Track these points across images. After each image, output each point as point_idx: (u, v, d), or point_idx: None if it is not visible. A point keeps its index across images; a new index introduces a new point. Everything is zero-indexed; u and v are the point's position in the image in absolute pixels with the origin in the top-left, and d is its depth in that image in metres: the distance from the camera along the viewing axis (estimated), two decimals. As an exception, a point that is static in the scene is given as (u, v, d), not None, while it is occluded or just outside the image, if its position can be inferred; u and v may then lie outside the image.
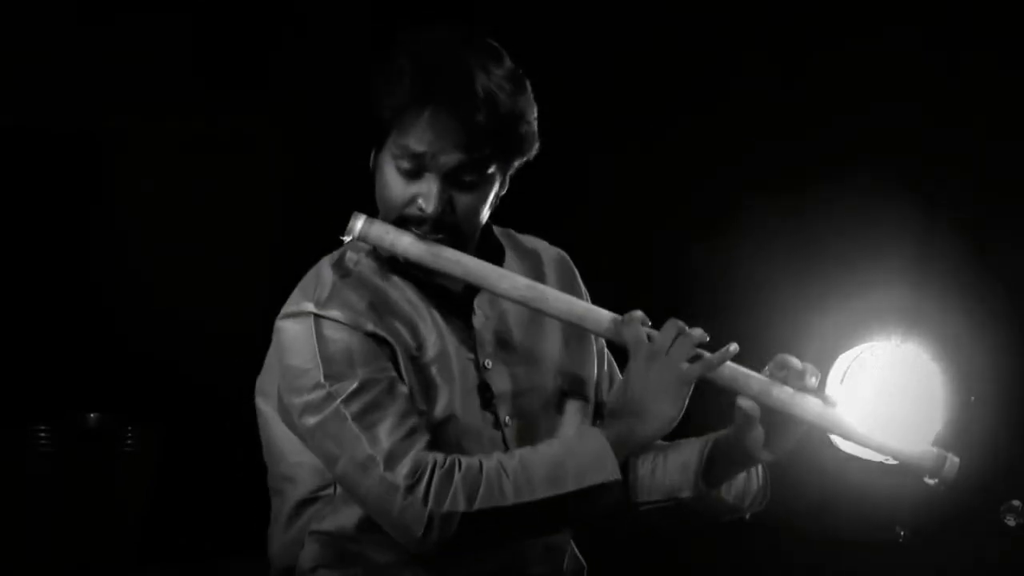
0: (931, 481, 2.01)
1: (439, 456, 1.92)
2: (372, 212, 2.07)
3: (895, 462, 2.03)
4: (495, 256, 2.09)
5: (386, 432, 1.92)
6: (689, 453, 2.09)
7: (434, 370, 2.01)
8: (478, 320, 2.08)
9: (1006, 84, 3.50)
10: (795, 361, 1.98)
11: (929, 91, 3.58)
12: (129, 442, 3.57)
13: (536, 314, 2.07)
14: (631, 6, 3.73)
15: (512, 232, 2.21)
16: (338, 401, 1.94)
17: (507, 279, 2.01)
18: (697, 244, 3.66)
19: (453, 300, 2.07)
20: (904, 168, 3.58)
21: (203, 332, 3.82)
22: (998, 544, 3.30)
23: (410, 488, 1.90)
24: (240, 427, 3.95)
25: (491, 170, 2.00)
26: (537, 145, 2.05)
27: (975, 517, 3.35)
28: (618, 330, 1.98)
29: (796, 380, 1.97)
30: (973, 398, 3.34)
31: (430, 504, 1.89)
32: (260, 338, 4.06)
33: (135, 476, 3.59)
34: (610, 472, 1.91)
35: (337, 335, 1.97)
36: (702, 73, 3.73)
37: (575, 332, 2.15)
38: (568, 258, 2.23)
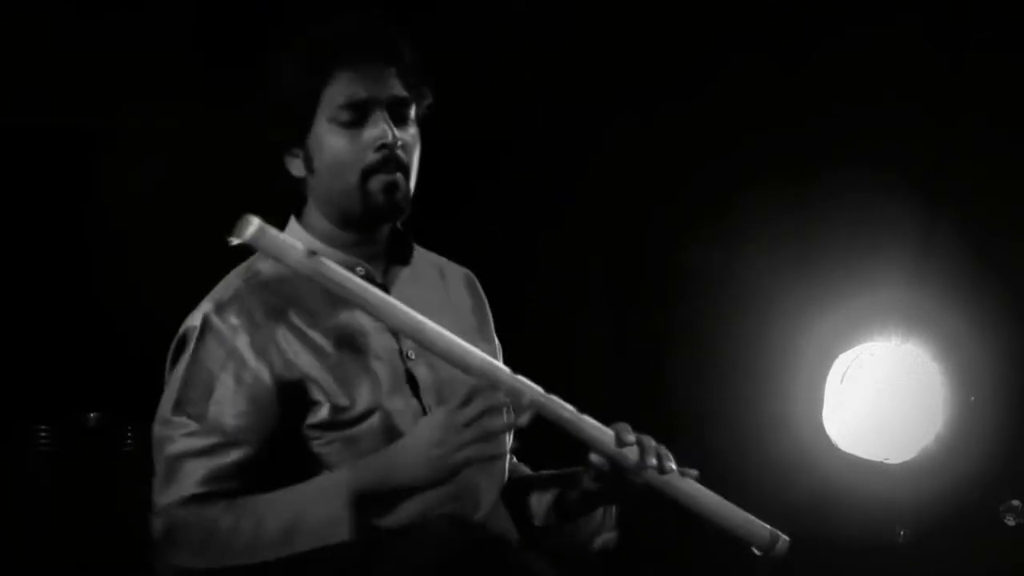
0: (758, 552, 2.08)
1: (187, 512, 1.97)
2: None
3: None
4: (404, 254, 2.15)
5: (165, 486, 2.00)
6: (544, 485, 2.20)
7: (357, 362, 2.03)
8: None
9: (1008, 81, 3.50)
10: (631, 436, 2.03)
11: (930, 88, 3.57)
12: (129, 442, 3.56)
13: (446, 305, 2.16)
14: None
15: (418, 247, 2.23)
16: (168, 432, 2.01)
17: (389, 305, 2.00)
18: (694, 242, 3.66)
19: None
20: (905, 167, 3.58)
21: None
22: (998, 544, 3.30)
23: (158, 543, 1.98)
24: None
25: (415, 111, 2.10)
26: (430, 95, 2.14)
27: (975, 517, 3.35)
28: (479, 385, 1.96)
29: (645, 451, 2.03)
30: (973, 398, 3.34)
31: (169, 555, 1.97)
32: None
33: (135, 476, 3.58)
34: (344, 534, 1.92)
35: (213, 354, 2.01)
36: (697, 66, 3.72)
37: (481, 325, 2.23)
38: (475, 279, 2.28)
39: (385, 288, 2.11)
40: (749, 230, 3.61)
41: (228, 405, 1.99)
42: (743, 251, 3.62)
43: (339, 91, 2.04)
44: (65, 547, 3.49)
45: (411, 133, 2.09)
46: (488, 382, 1.95)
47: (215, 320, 2.02)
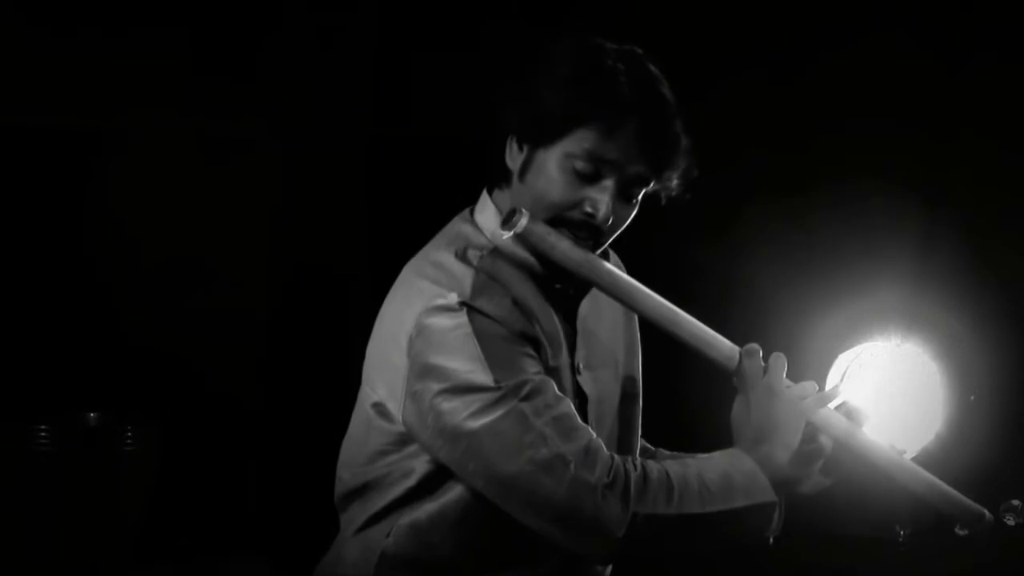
0: (962, 532, 2.06)
1: (625, 458, 1.90)
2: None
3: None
4: (605, 259, 2.08)
5: (571, 431, 1.88)
6: None
7: (557, 375, 1.98)
8: (582, 324, 2.07)
9: (1006, 84, 3.50)
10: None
11: (930, 91, 3.58)
12: (129, 442, 3.56)
13: (613, 321, 2.09)
14: (633, 7, 3.73)
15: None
16: (516, 401, 1.87)
17: (651, 298, 2.00)
18: (697, 244, 3.67)
19: (566, 303, 2.06)
20: (905, 168, 3.59)
21: (203, 331, 3.82)
22: (998, 544, 3.30)
23: (609, 486, 1.86)
24: (240, 426, 3.96)
25: (648, 188, 2.02)
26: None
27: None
28: (738, 363, 2.00)
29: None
30: (973, 398, 3.34)
31: (632, 504, 1.86)
32: (261, 337, 4.08)
33: (135, 476, 3.59)
34: (768, 494, 1.93)
35: (496, 331, 1.90)
36: (700, 73, 3.72)
37: (633, 337, 2.17)
38: (620, 261, 2.22)
39: (578, 302, 2.07)
40: (751, 231, 3.62)
41: (534, 362, 1.93)
42: (744, 252, 3.62)
43: (590, 138, 1.94)
44: (65, 547, 3.49)
45: (628, 211, 2.01)
46: (738, 373, 1.98)
47: (476, 306, 1.91)
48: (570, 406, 1.92)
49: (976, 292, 3.43)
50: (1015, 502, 3.22)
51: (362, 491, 2.04)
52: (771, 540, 2.10)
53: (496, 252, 2.00)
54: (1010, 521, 3.22)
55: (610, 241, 2.04)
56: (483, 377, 1.88)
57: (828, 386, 2.93)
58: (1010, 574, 3.33)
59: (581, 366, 2.04)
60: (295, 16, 3.90)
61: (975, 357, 3.36)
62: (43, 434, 3.47)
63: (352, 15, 3.93)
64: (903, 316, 3.37)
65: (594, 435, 1.90)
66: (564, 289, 2.04)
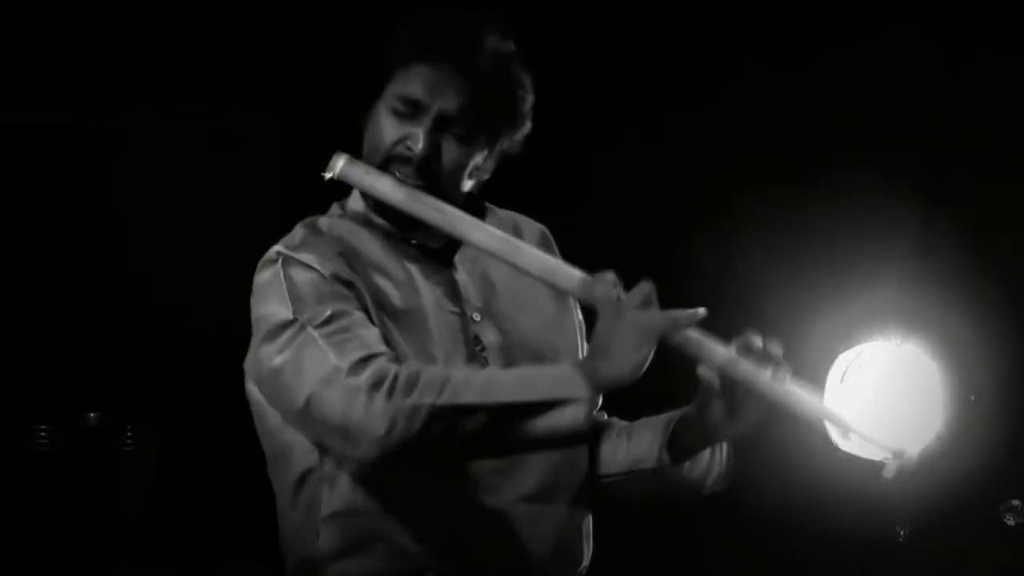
0: (888, 475, 2.02)
1: (403, 366, 1.91)
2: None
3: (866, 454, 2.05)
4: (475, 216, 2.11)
5: (357, 348, 1.91)
6: (655, 426, 2.11)
7: (404, 323, 2.01)
8: (460, 275, 2.10)
9: (1006, 83, 3.50)
10: (758, 341, 1.98)
11: (930, 90, 3.58)
12: (129, 442, 3.57)
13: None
14: (633, 2, 3.74)
15: (492, 206, 2.22)
16: (309, 328, 1.93)
17: (481, 229, 2.04)
18: (696, 242, 3.67)
19: (434, 256, 2.10)
20: (904, 167, 3.59)
21: (203, 331, 3.82)
22: (998, 544, 3.30)
23: (374, 386, 1.87)
24: (240, 426, 3.96)
25: (481, 132, 2.07)
26: (527, 128, 2.11)
27: (975, 517, 3.35)
28: (588, 288, 1.98)
29: (761, 358, 1.97)
30: (973, 398, 3.34)
31: (395, 399, 1.86)
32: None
33: (135, 476, 3.59)
34: (579, 390, 1.89)
35: (305, 275, 1.98)
36: (701, 70, 3.73)
37: (559, 294, 2.18)
38: (549, 234, 2.25)
39: (450, 254, 2.11)
40: (750, 230, 3.62)
41: (345, 301, 1.98)
42: (744, 251, 3.62)
43: (405, 82, 2.05)
44: (65, 546, 3.49)
45: (462, 153, 2.06)
46: (590, 297, 1.97)
47: (292, 254, 2.01)
48: (375, 336, 1.94)
49: (976, 292, 3.43)
50: (1015, 502, 3.22)
51: (273, 478, 2.09)
52: (706, 492, 2.11)
53: (344, 217, 2.11)
54: (1010, 521, 3.22)
55: (454, 186, 2.07)
56: (285, 314, 1.95)
57: (828, 387, 2.93)
58: (1010, 574, 3.33)
59: (476, 315, 2.08)
60: (295, 16, 3.90)
61: (975, 357, 3.36)
62: (43, 434, 3.47)
63: (352, 14, 3.93)
64: (903, 316, 3.37)
65: (383, 351, 1.92)
66: (423, 245, 2.09)
